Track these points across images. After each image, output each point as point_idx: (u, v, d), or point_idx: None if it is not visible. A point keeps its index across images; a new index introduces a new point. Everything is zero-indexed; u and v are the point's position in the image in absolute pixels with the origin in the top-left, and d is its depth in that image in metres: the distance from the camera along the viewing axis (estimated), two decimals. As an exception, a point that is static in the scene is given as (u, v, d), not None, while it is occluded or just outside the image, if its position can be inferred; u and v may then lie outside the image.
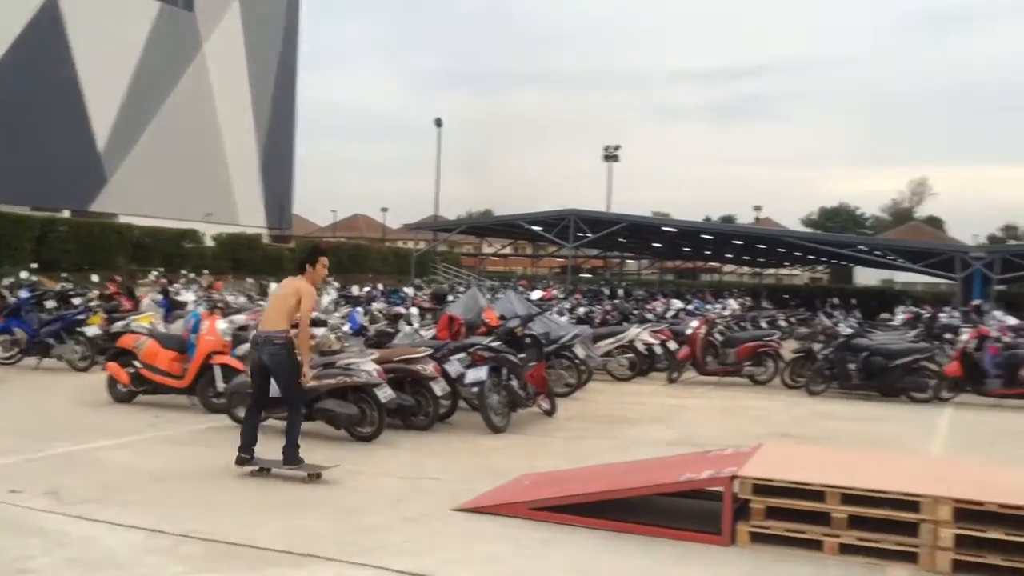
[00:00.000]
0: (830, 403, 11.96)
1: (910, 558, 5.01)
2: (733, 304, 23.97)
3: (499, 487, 6.52)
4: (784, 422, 10.26)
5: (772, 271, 64.98)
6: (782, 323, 22.21)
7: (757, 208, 75.51)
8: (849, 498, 5.17)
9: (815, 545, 5.19)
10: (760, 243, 40.72)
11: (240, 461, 6.75)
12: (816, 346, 13.11)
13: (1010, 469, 6.92)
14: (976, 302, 20.93)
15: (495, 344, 9.34)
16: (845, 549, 5.12)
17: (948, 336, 14.99)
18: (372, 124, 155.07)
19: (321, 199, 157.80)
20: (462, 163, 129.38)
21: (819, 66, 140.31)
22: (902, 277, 56.18)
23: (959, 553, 4.89)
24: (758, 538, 5.32)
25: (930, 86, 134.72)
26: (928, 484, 5.21)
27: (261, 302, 13.79)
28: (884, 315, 21.17)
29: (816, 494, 5.26)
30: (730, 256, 51.61)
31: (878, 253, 34.86)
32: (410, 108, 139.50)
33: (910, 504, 5.05)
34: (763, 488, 5.41)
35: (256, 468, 6.77)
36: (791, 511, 5.32)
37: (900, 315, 20.36)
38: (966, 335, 12.60)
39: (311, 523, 5.58)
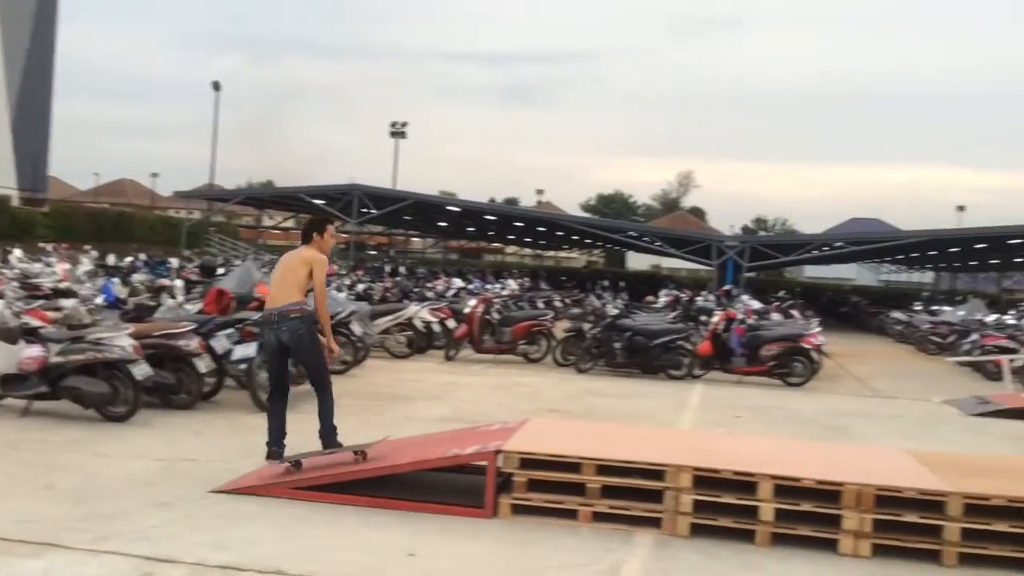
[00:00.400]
0: (597, 380, 12.58)
1: (655, 523, 5.36)
2: (512, 284, 24.64)
3: (262, 467, 6.31)
4: (553, 398, 10.67)
5: (552, 253, 67.40)
6: (557, 303, 23.08)
7: (539, 192, 78.06)
8: (603, 469, 5.45)
9: (572, 515, 5.44)
10: (540, 226, 42.08)
11: (272, 455, 6.08)
12: (585, 326, 13.73)
13: (747, 439, 7.57)
14: (726, 287, 22.80)
15: (265, 319, 8.99)
16: (598, 517, 5.40)
17: (703, 318, 16.22)
18: (145, 85, 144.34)
19: (85, 162, 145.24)
20: (244, 132, 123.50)
21: (600, 58, 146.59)
22: (668, 262, 60.17)
23: (697, 517, 5.29)
24: (520, 510, 5.49)
25: (696, 85, 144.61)
26: (673, 455, 5.59)
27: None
28: (649, 298, 22.51)
29: (573, 466, 5.51)
30: (512, 237, 52.96)
31: (647, 239, 37.05)
32: (190, 70, 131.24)
33: (657, 473, 5.40)
34: (526, 461, 5.58)
35: (292, 463, 6.04)
36: (553, 483, 5.53)
37: (663, 298, 21.75)
38: (717, 317, 13.66)
39: (50, 510, 5.14)
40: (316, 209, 38.28)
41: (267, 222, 50.89)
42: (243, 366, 8.46)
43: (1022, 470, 6.16)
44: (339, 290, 15.27)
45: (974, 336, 17.52)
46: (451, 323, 14.38)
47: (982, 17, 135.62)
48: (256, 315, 9.12)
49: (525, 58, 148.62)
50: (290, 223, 51.46)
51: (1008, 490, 5.16)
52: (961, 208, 51.27)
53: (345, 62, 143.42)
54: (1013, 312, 24.02)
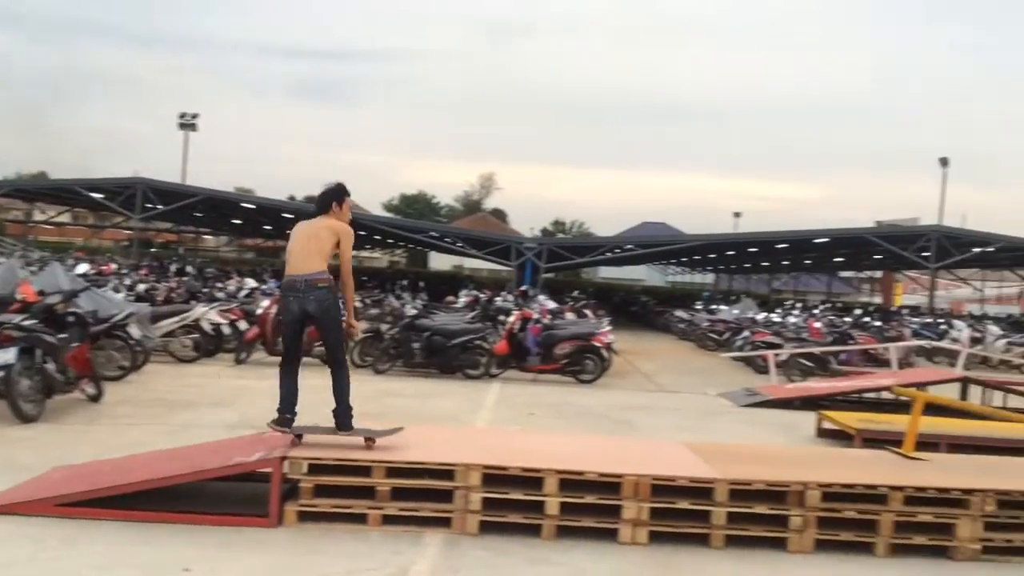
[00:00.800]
0: (395, 381, 12.49)
1: (446, 523, 5.37)
2: (310, 284, 23.99)
3: (24, 483, 5.76)
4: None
5: (355, 253, 66.39)
6: (357, 304, 22.73)
7: (347, 191, 76.51)
8: (392, 471, 5.39)
9: (362, 519, 5.34)
10: (341, 225, 41.28)
11: (284, 422, 5.77)
12: (384, 326, 13.61)
13: (538, 436, 7.76)
14: (523, 287, 23.38)
15: (28, 323, 8.24)
16: (388, 520, 5.34)
17: (501, 318, 16.51)
18: None
19: None
20: (11, 119, 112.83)
21: (404, 58, 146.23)
22: (470, 263, 60.90)
23: (486, 515, 5.35)
24: (307, 517, 5.33)
25: (499, 88, 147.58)
26: (464, 454, 5.62)
27: None
28: (449, 298, 22.69)
29: (363, 469, 5.41)
30: (312, 237, 51.59)
31: (448, 240, 37.34)
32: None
33: (447, 473, 5.41)
34: (314, 467, 5.43)
35: (296, 435, 5.77)
36: (343, 488, 5.41)
37: (463, 298, 21.97)
38: (513, 317, 13.95)
39: None
40: (92, 204, 35.64)
41: (38, 216, 46.73)
42: (1, 373, 7.68)
43: (781, 456, 6.70)
44: (116, 290, 14.26)
45: (746, 333, 18.96)
46: (242, 325, 13.79)
47: (765, 34, 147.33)
48: (18, 318, 8.34)
49: (331, 55, 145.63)
50: (65, 217, 47.59)
51: (768, 475, 5.59)
52: (738, 214, 55.43)
53: (144, 50, 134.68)
54: (779, 311, 26.27)
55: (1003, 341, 23.62)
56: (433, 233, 37.83)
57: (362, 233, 44.13)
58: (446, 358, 13.04)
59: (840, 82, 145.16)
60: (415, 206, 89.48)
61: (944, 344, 21.56)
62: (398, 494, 5.38)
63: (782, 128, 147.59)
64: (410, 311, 13.65)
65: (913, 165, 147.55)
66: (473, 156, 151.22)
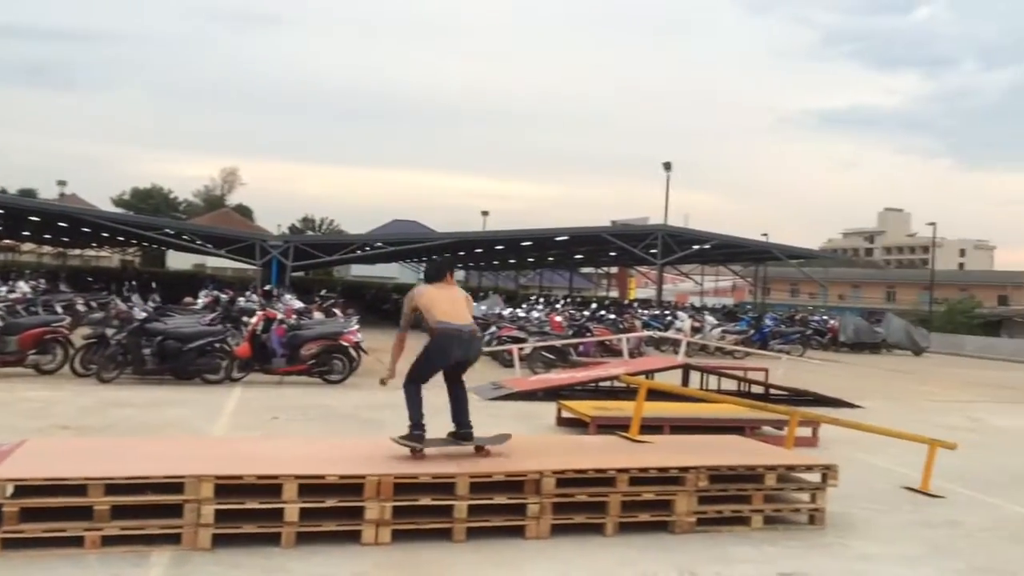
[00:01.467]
0: (123, 390, 11.55)
1: (175, 540, 5.02)
2: (23, 287, 21.73)
3: None
4: (67, 413, 9.56)
5: (79, 251, 60.92)
6: (80, 307, 20.85)
7: (62, 183, 70.16)
8: (113, 488, 4.96)
9: (78, 542, 4.87)
10: (62, 221, 37.73)
11: (416, 438, 6.15)
12: (109, 331, 12.55)
13: (278, 441, 7.50)
14: (267, 287, 22.58)
15: None
16: (109, 541, 4.91)
17: (245, 319, 15.81)
18: None
19: None
20: None
21: (133, 41, 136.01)
22: (215, 262, 57.91)
23: (220, 527, 5.07)
24: (12, 544, 4.78)
25: (242, 81, 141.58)
26: (195, 465, 5.29)
27: None
28: (188, 299, 21.40)
29: (78, 488, 4.93)
30: (28, 234, 46.81)
31: (186, 238, 35.23)
32: None
33: (175, 486, 5.06)
34: (21, 488, 4.88)
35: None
36: (56, 510, 4.90)
37: (202, 298, 20.83)
38: (256, 318, 13.40)
39: None
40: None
41: None
42: None
43: (520, 446, 6.91)
44: None
45: (493, 328, 19.51)
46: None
47: (510, 43, 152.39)
48: None
49: (44, 33, 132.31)
50: None
51: (507, 466, 5.76)
52: (486, 213, 56.91)
53: None
54: (524, 306, 27.33)
55: (718, 330, 26.11)
56: (169, 230, 35.50)
57: (86, 230, 40.63)
58: (181, 363, 12.25)
59: (582, 91, 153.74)
60: (149, 201, 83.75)
61: (669, 334, 23.45)
62: (121, 512, 4.96)
63: (529, 130, 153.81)
64: (139, 314, 12.67)
65: (644, 169, 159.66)
66: (215, 150, 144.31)
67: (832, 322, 31.35)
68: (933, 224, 49.11)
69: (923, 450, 7.76)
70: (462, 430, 6.50)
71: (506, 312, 24.08)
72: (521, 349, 15.74)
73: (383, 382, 6.93)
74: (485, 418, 10.57)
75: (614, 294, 60.06)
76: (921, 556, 5.71)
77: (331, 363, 13.32)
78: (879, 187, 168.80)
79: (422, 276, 7.12)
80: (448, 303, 6.63)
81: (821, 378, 16.85)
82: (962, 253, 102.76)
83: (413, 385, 6.55)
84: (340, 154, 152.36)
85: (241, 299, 20.15)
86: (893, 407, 13.74)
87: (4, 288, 19.77)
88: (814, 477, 6.40)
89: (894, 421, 10.13)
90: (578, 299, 43.29)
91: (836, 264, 57.58)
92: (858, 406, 13.05)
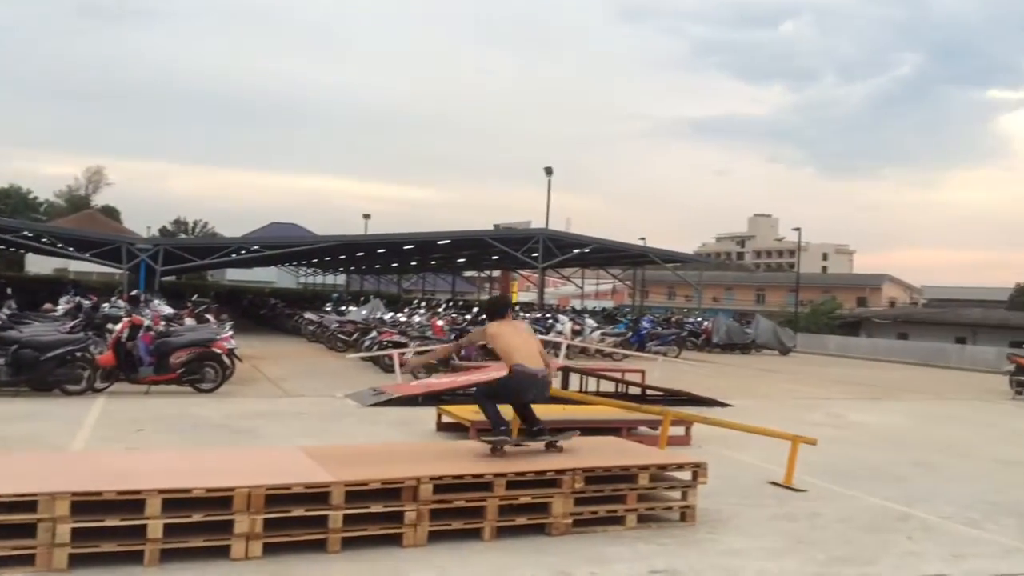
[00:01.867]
0: (-27, 402, 10.81)
1: (28, 561, 4.72)
2: None
3: None
4: (-92, 429, 8.86)
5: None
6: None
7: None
8: (-45, 510, 4.62)
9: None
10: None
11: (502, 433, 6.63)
12: (-42, 340, 11.71)
13: (141, 455, 7.16)
14: (134, 292, 21.62)
15: None
16: (-50, 569, 4.57)
17: (110, 326, 15.06)
18: None
19: None
20: None
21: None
22: (77, 266, 55.00)
23: (77, 547, 4.79)
24: None
25: (106, 76, 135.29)
26: (49, 481, 4.99)
27: None
28: (47, 305, 20.26)
29: (-85, 511, 4.57)
30: None
31: (47, 240, 33.33)
32: None
33: (27, 505, 4.76)
34: None
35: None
36: None
37: (63, 305, 19.75)
38: (121, 324, 12.79)
39: None
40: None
41: None
42: None
43: (398, 453, 6.85)
44: None
45: (374, 333, 19.29)
46: None
47: (389, 44, 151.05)
48: None
49: None
50: None
51: (384, 474, 5.67)
52: (367, 216, 56.11)
53: None
54: (407, 310, 27.14)
55: (598, 332, 26.64)
56: (26, 232, 33.47)
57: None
58: (39, 373, 11.55)
59: (464, 95, 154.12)
60: (7, 201, 78.81)
61: (550, 337, 23.73)
62: (-38, 536, 4.62)
63: (410, 134, 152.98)
64: (-8, 322, 11.89)
65: (526, 174, 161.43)
66: (78, 149, 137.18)
67: (706, 324, 32.45)
68: (798, 229, 51.59)
69: (787, 446, 8.11)
70: (535, 427, 6.94)
71: (387, 317, 23.85)
72: (402, 354, 15.60)
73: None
74: (362, 426, 10.46)
75: (497, 298, 60.34)
76: (785, 548, 5.96)
77: (203, 371, 12.85)
78: (749, 193, 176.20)
79: (484, 314, 8.06)
80: (524, 345, 6.99)
81: (695, 378, 17.42)
82: (825, 257, 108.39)
83: (488, 400, 6.97)
84: (215, 155, 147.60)
85: (106, 305, 19.17)
86: (761, 405, 14.34)
87: None
88: (685, 475, 6.59)
89: (761, 418, 10.56)
90: (460, 303, 43.29)
91: (709, 268, 59.77)
92: (728, 404, 13.55)
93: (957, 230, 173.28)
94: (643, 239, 43.63)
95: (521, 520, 5.88)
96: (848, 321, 55.27)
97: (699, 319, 34.36)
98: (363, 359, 17.90)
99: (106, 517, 4.88)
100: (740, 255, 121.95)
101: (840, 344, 36.50)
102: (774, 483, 7.99)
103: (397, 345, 16.99)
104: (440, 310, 28.45)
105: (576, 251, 36.33)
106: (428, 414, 10.75)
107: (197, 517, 5.05)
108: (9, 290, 24.35)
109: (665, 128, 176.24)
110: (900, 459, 9.81)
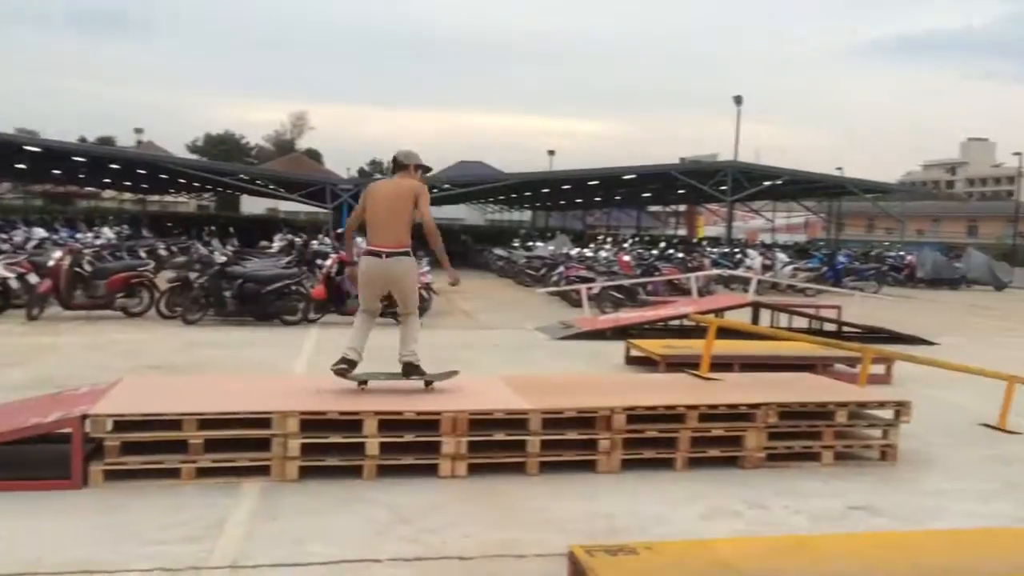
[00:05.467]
0: (207, 331, 12.03)
1: (263, 471, 5.31)
2: (108, 232, 22.57)
3: None
4: (157, 353, 10.02)
5: (157, 198, 62.68)
6: (162, 252, 21.61)
7: (139, 131, 71.90)
8: (205, 423, 5.25)
9: (175, 474, 5.19)
10: (140, 168, 38.84)
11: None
12: (192, 275, 13.03)
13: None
14: (340, 230, 22.97)
15: None
16: (203, 473, 5.22)
17: (319, 262, 16.21)
18: None
19: None
20: None
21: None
22: (286, 206, 59.00)
23: (306, 460, 5.34)
24: (114, 476, 5.12)
25: (303, 24, 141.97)
26: (280, 400, 5.55)
27: None
28: (263, 243, 21.98)
29: (173, 423, 5.24)
30: (109, 181, 48.34)
31: (259, 182, 35.93)
32: None
33: (263, 421, 5.33)
34: (120, 424, 5.20)
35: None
36: (153, 443, 5.22)
37: (278, 242, 21.35)
38: (330, 261, 13.72)
39: None
40: None
41: None
42: None
43: (591, 384, 7.06)
44: None
45: (561, 268, 19.59)
46: (33, 278, 12.80)
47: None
48: None
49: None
50: None
51: (579, 403, 5.88)
52: (552, 152, 56.45)
53: None
54: (592, 246, 27.29)
55: (790, 267, 25.70)
56: (242, 176, 36.24)
57: (164, 177, 41.71)
58: (261, 305, 12.68)
59: (644, 26, 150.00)
60: (222, 147, 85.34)
61: (739, 272, 23.19)
62: (213, 446, 5.26)
63: (593, 68, 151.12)
64: (219, 258, 13.11)
65: (714, 104, 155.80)
66: (283, 95, 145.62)
67: (909, 258, 30.51)
68: (1019, 154, 47.01)
69: (1001, 387, 7.64)
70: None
71: (574, 252, 24.10)
72: (589, 289, 15.79)
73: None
74: (553, 358, 10.75)
75: (682, 232, 59.42)
76: (996, 491, 5.69)
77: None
78: (961, 116, 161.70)
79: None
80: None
81: (896, 315, 16.54)
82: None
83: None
84: (406, 97, 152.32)
85: (315, 242, 20.57)
86: (970, 344, 13.45)
87: (90, 234, 20.57)
88: (887, 414, 6.38)
89: (971, 357, 9.93)
90: (646, 238, 42.93)
91: (914, 198, 55.79)
92: (934, 343, 12.81)
93: None
94: (840, 169, 41.33)
95: (714, 452, 5.95)
96: (1076, 254, 50.11)
97: (901, 253, 32.33)
98: (551, 293, 18.26)
99: (330, 435, 5.40)
100: (950, 184, 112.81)
101: (1066, 279, 33.25)
102: (986, 425, 7.57)
103: (584, 280, 17.20)
104: (626, 245, 28.38)
105: (767, 183, 34.95)
106: (616, 348, 10.89)
107: (409, 437, 5.47)
108: (231, 229, 26.59)
109: (864, 48, 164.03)
110: None
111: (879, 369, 9.42)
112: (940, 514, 5.19)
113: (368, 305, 6.48)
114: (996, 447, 6.87)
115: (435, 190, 35.22)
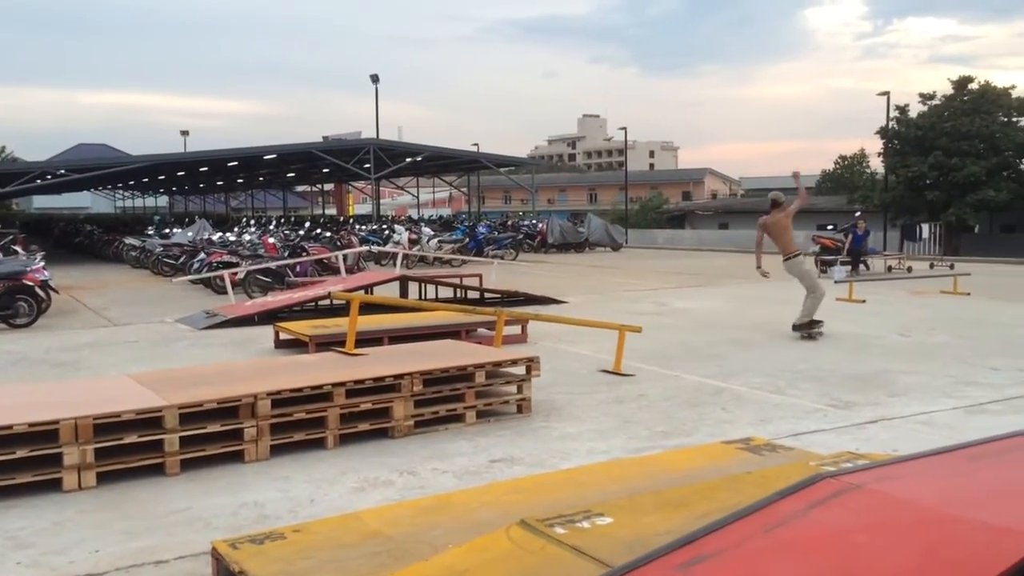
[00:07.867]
0: None
1: None
2: None
3: None
4: None
5: None
6: None
7: None
8: None
9: None
10: None
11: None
12: None
13: None
14: None
15: None
16: None
17: None
18: None
19: None
20: None
21: None
22: None
23: None
24: None
25: None
26: None
27: None
28: None
29: None
30: None
31: None
32: None
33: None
34: None
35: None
36: None
37: None
38: None
39: None
40: None
41: None
42: None
43: (235, 372, 6.76)
44: None
45: (202, 255, 18.58)
46: None
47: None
48: None
49: None
50: None
51: (220, 393, 5.62)
52: (185, 133, 52.97)
53: None
54: (236, 229, 26.24)
55: (435, 240, 26.76)
56: None
57: None
58: None
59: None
60: None
61: (388, 248, 23.67)
62: None
63: (225, 41, 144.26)
64: None
65: (354, 84, 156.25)
66: None
67: (541, 226, 33.20)
68: (624, 129, 52.97)
69: (616, 336, 8.59)
70: None
71: (216, 237, 22.98)
72: (234, 274, 15.16)
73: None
74: (196, 349, 10.20)
75: (332, 212, 59.19)
76: (613, 428, 6.39)
77: (15, 306, 12.06)
78: (578, 94, 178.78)
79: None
80: None
81: (532, 279, 17.95)
82: (651, 154, 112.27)
83: None
84: (7, 72, 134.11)
85: None
86: (593, 299, 14.99)
87: None
88: (520, 370, 6.89)
89: (593, 312, 11.10)
90: (292, 219, 42.18)
91: (542, 170, 60.70)
92: (563, 301, 14.09)
93: (770, 123, 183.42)
94: (476, 145, 43.67)
95: (364, 426, 6.01)
96: (674, 215, 57.96)
97: (534, 221, 35.07)
98: (193, 282, 17.27)
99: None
100: (572, 156, 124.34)
101: (668, 237, 38.39)
102: (605, 371, 8.47)
103: (228, 265, 16.47)
104: (271, 227, 27.65)
105: (409, 160, 35.97)
106: (265, 333, 10.60)
107: (21, 453, 4.86)
108: None
109: (493, 30, 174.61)
110: (718, 339, 10.59)
111: (516, 330, 10.15)
112: (569, 455, 5.72)
113: None
114: (613, 390, 7.72)
115: (49, 177, 31.59)
